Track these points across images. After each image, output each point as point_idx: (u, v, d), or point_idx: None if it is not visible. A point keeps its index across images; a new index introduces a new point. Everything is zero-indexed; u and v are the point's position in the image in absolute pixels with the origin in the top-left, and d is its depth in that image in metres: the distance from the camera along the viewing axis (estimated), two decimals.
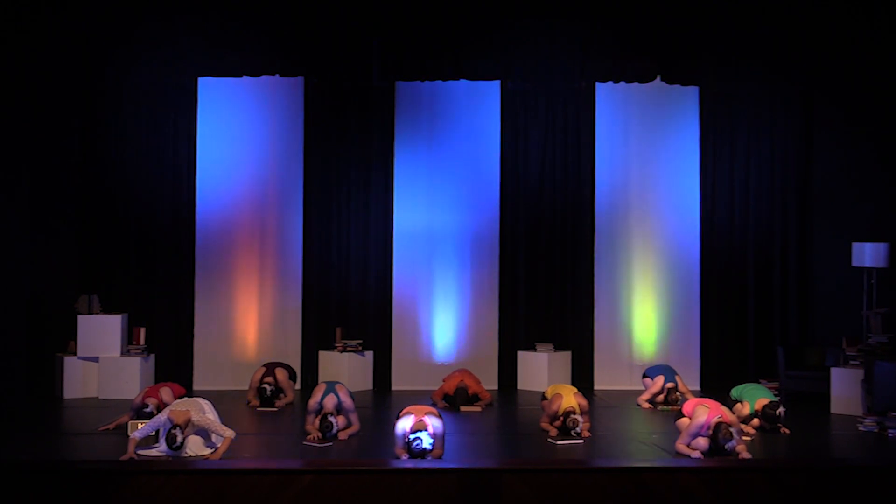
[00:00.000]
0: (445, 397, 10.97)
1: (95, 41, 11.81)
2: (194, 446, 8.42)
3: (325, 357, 12.23)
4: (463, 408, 10.84)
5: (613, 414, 10.69)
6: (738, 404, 9.69)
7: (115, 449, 8.44)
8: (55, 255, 11.93)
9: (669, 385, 10.99)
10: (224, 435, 8.29)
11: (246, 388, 11.35)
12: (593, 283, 12.67)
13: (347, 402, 9.23)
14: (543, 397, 9.83)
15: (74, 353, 11.56)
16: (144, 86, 12.21)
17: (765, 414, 9.43)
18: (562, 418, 9.22)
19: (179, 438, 8.18)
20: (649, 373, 11.34)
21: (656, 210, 12.74)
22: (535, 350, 12.38)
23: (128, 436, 8.47)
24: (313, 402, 9.20)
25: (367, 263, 12.62)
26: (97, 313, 11.67)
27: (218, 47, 11.95)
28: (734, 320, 12.59)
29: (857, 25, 11.68)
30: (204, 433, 8.46)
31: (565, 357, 12.37)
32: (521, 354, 12.44)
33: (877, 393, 9.91)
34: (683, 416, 8.79)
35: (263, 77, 12.29)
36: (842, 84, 12.01)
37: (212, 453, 8.37)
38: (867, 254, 11.05)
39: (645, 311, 12.71)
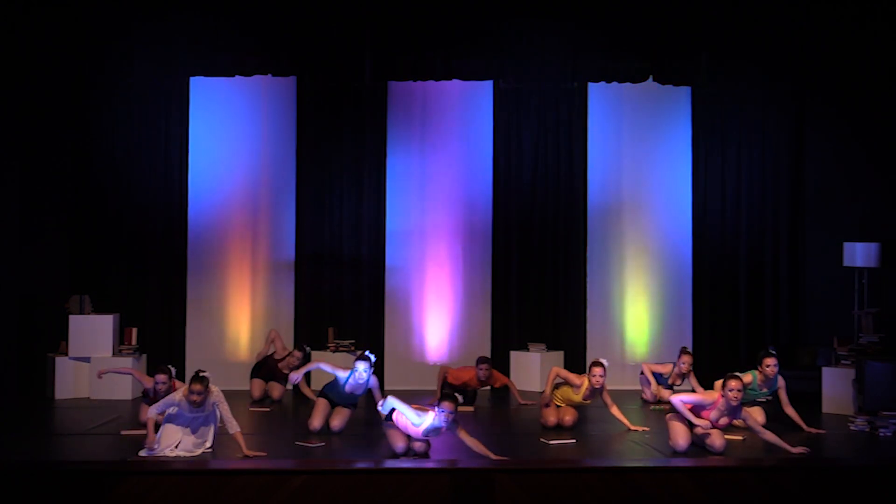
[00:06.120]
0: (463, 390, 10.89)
1: (87, 41, 11.76)
2: (187, 446, 8.39)
3: (317, 357, 12.19)
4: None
5: (606, 414, 10.68)
6: None
7: (108, 450, 8.42)
8: (46, 255, 11.88)
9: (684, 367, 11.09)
10: (232, 429, 8.33)
11: (238, 387, 11.40)
12: (586, 282, 12.68)
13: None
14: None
15: (66, 354, 11.53)
16: (136, 85, 12.16)
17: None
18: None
19: (200, 398, 8.25)
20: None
21: (649, 210, 12.76)
22: (527, 350, 12.38)
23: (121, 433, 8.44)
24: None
25: (360, 263, 12.61)
26: (89, 313, 11.64)
27: (210, 47, 11.91)
28: (726, 320, 12.60)
29: (849, 26, 11.71)
30: (205, 424, 8.47)
31: (558, 357, 12.36)
32: (514, 354, 12.45)
33: (868, 392, 9.95)
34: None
35: (256, 77, 12.26)
36: (833, 84, 12.04)
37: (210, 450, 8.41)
38: (858, 254, 11.07)
39: (637, 311, 12.73)
